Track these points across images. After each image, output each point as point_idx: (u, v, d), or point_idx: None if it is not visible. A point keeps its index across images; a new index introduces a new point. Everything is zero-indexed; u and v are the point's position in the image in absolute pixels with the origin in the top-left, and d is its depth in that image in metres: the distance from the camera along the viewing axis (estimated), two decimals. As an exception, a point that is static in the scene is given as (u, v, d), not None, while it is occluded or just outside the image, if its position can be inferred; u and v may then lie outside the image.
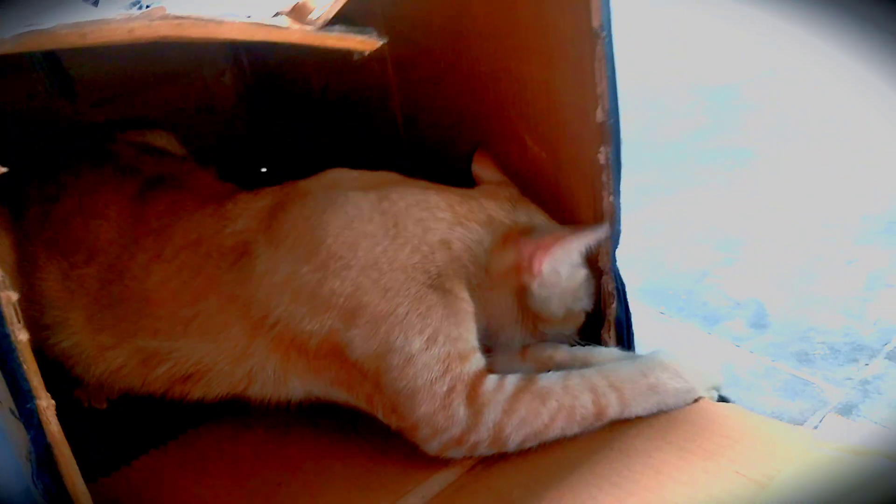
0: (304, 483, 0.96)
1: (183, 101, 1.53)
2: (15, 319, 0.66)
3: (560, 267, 0.97)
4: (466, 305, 0.93)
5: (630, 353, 1.05)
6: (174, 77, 1.50)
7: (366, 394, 0.93)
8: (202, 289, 0.96)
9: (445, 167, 1.13)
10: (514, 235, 0.97)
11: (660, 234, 1.46)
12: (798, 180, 1.54)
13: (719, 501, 0.82)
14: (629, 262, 1.36)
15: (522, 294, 0.99)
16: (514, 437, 0.90)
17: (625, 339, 1.10)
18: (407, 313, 0.89)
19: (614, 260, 1.04)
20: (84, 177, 1.08)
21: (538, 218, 1.03)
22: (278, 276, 0.93)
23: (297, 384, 0.97)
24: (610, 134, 0.93)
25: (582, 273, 1.01)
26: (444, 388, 0.88)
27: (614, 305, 1.06)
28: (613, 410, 0.92)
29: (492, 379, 0.91)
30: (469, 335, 0.92)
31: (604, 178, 0.98)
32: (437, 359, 0.89)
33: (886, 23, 1.83)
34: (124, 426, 1.13)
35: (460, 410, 0.88)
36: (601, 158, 0.96)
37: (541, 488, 0.88)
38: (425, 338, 0.89)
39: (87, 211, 1.04)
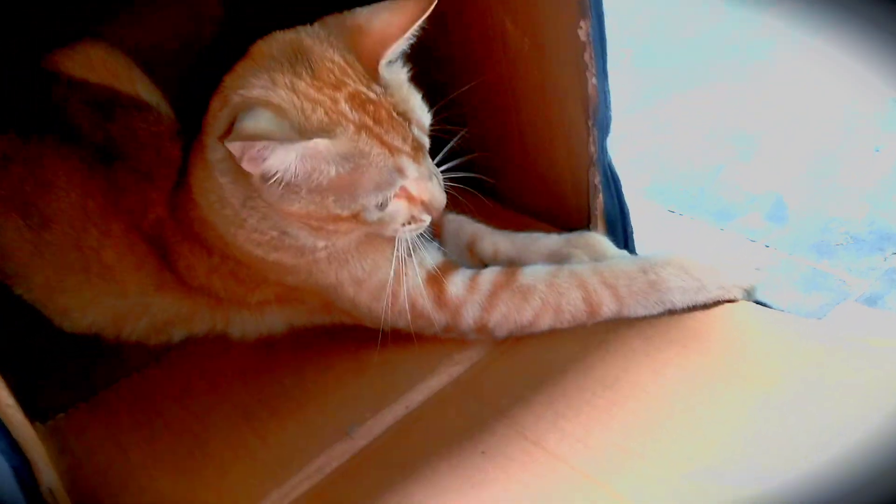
0: (285, 398, 0.93)
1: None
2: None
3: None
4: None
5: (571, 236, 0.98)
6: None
7: (345, 316, 0.95)
8: (158, 266, 0.96)
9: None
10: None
11: (671, 131, 1.37)
12: (822, 68, 1.42)
13: (724, 401, 0.76)
14: (636, 162, 1.30)
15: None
16: (499, 330, 0.90)
17: (620, 239, 1.03)
18: (310, 275, 0.89)
19: (603, 150, 0.97)
20: (35, 140, 1.03)
21: None
22: (201, 268, 0.93)
23: (277, 320, 0.98)
24: (589, 4, 0.84)
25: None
26: (407, 305, 0.88)
27: (600, 199, 0.98)
28: (609, 309, 0.87)
29: (459, 279, 0.90)
30: (377, 258, 0.89)
31: (586, 57, 0.89)
32: (377, 291, 0.89)
33: None
34: (107, 351, 1.09)
35: (436, 315, 0.89)
36: (581, 34, 0.88)
37: (530, 393, 0.84)
38: (350, 283, 0.89)
39: (38, 177, 1.00)
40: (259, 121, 0.72)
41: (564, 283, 0.87)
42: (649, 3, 1.75)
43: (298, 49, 0.78)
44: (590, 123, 0.94)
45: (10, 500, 0.76)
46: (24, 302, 1.20)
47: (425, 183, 0.82)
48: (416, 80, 1.17)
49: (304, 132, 0.73)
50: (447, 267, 0.91)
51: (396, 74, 0.81)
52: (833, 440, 0.69)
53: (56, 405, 1.00)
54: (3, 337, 1.06)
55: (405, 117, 0.79)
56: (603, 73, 0.90)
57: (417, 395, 0.88)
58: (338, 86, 0.76)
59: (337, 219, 0.79)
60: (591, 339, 0.87)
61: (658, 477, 0.70)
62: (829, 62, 1.42)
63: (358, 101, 0.76)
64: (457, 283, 0.90)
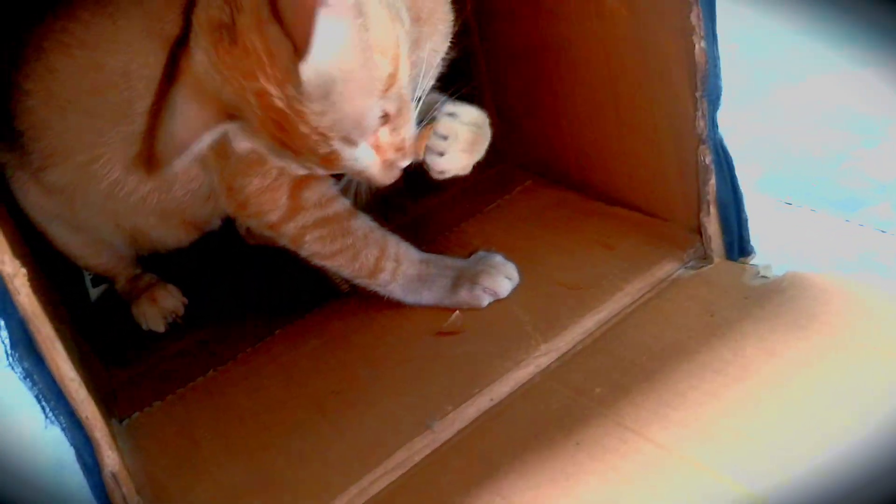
0: (359, 391, 0.92)
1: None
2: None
3: None
4: None
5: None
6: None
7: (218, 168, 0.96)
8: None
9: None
10: None
11: (784, 120, 1.31)
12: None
13: (850, 380, 0.71)
14: (747, 152, 1.24)
15: None
16: (306, 248, 0.98)
17: (734, 227, 0.98)
18: None
19: (714, 125, 0.92)
20: None
21: None
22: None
23: None
24: (693, -43, 0.82)
25: None
26: (276, 171, 0.93)
27: (713, 182, 0.94)
28: (384, 277, 0.99)
29: (318, 190, 0.96)
30: None
31: (692, 18, 0.86)
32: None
33: None
34: (184, 350, 1.13)
35: (283, 199, 0.95)
36: (687, -7, 0.84)
37: (628, 381, 0.80)
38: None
39: None
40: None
41: (373, 240, 0.98)
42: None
43: (233, 1, 0.74)
44: (698, 95, 0.90)
45: (70, 482, 0.75)
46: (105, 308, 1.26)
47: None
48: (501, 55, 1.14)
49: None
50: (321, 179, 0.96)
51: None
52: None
53: (133, 405, 1.01)
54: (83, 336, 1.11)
55: (317, 132, 0.75)
56: (712, 37, 0.86)
57: (502, 387, 0.86)
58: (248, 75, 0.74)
59: None
60: (695, 323, 0.84)
61: (779, 463, 0.66)
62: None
63: (264, 100, 0.74)
64: (317, 192, 0.96)
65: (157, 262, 1.24)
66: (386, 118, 0.79)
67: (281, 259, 1.07)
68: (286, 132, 0.76)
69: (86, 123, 0.96)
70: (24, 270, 0.64)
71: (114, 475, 0.76)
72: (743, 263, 0.94)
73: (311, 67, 0.70)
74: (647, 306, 0.91)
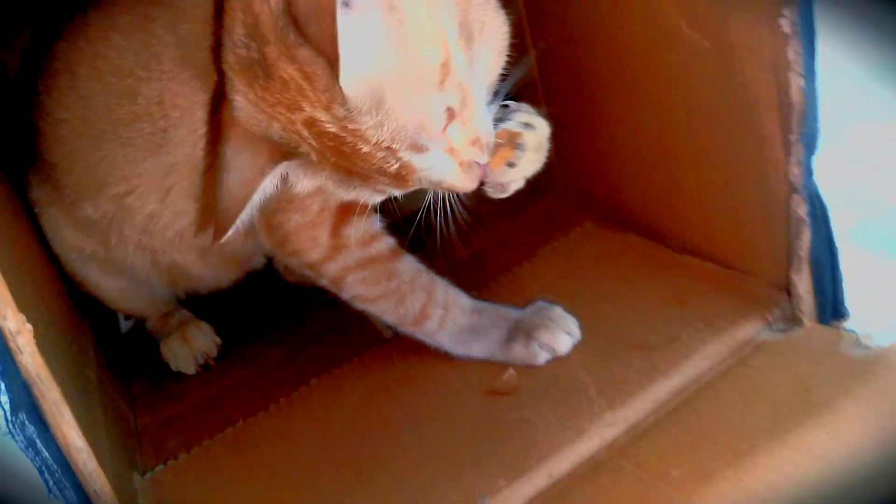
0: (404, 458, 0.84)
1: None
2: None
3: None
4: None
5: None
6: None
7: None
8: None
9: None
10: None
11: (875, 162, 1.20)
12: None
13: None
14: (836, 199, 1.14)
15: None
16: (348, 290, 0.93)
17: (828, 287, 0.88)
18: None
19: (810, 172, 0.83)
20: None
21: None
22: None
23: None
24: (794, -15, 0.74)
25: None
26: (316, 207, 0.88)
27: (807, 236, 0.84)
28: (431, 326, 0.92)
29: (361, 228, 0.90)
30: None
31: (790, 54, 0.78)
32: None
33: None
34: (214, 396, 1.06)
35: (324, 237, 0.90)
36: (784, 25, 0.76)
37: (710, 464, 0.71)
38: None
39: None
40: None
41: (420, 285, 0.92)
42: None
43: (257, 35, 0.68)
44: (792, 138, 0.81)
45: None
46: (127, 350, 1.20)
47: None
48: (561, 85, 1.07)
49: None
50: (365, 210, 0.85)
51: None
52: None
53: (157, 455, 0.96)
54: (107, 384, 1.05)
55: (381, 147, 0.69)
56: (811, 74, 0.78)
57: (563, 462, 0.77)
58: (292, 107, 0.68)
59: None
60: (787, 398, 0.75)
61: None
62: None
63: (316, 129, 0.69)
64: (360, 229, 0.90)
65: (190, 299, 1.19)
66: (451, 114, 0.71)
67: (319, 299, 1.01)
68: (348, 157, 0.70)
69: (120, 153, 0.92)
70: (29, 327, 0.58)
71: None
72: (837, 328, 0.84)
73: (352, 79, 0.64)
74: (730, 374, 0.81)
